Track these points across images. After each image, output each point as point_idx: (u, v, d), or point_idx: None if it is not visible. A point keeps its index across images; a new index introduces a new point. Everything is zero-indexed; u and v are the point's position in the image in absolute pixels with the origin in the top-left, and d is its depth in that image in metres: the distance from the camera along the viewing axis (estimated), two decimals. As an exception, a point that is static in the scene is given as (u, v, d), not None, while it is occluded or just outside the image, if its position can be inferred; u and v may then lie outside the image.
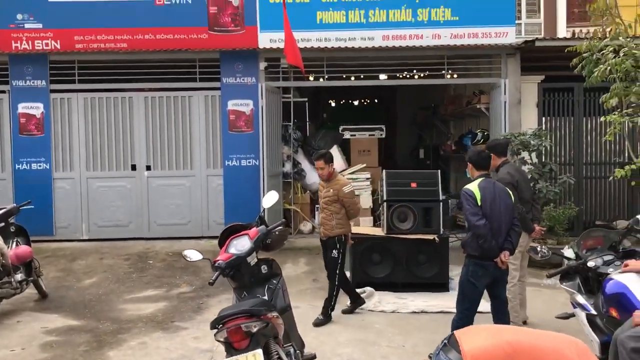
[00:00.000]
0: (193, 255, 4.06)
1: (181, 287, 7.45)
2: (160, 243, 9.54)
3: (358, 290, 6.81)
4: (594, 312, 3.74)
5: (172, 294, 7.14)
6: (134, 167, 9.86)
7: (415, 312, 6.25)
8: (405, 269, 6.98)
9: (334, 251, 6.13)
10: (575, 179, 8.91)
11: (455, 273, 7.33)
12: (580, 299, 3.90)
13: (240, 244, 4.07)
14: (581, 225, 9.50)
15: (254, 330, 3.31)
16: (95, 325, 5.99)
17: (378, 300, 6.58)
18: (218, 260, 3.94)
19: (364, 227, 9.02)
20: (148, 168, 9.86)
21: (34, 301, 6.85)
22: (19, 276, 6.41)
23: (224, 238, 4.19)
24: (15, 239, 6.76)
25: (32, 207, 7.20)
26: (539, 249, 4.41)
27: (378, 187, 10.78)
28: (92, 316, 6.31)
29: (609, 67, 5.85)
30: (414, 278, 6.99)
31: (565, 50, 7.01)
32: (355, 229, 8.43)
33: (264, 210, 4.60)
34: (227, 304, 6.52)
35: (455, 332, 2.81)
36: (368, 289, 6.76)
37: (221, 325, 3.33)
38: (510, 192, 4.85)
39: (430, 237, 6.90)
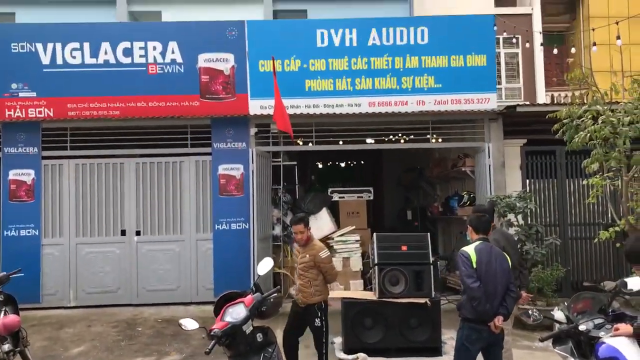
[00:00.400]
0: (189, 324, 4.07)
1: (171, 355, 7.34)
2: (149, 309, 9.44)
3: (350, 356, 6.78)
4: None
5: (162, 363, 7.03)
6: (123, 232, 9.86)
7: (408, 378, 6.21)
8: (398, 334, 6.96)
9: (316, 320, 6.02)
10: (561, 240, 9.06)
11: (447, 337, 7.35)
12: (573, 363, 3.96)
13: (236, 312, 4.10)
14: (569, 286, 9.59)
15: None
16: (84, 396, 5.87)
17: (371, 365, 6.53)
18: (214, 328, 3.96)
19: (355, 291, 9.05)
20: (138, 233, 9.87)
21: (20, 372, 6.70)
22: (6, 346, 6.27)
23: (220, 306, 4.21)
24: (3, 308, 6.65)
25: (22, 275, 7.13)
26: (530, 312, 4.48)
27: (368, 250, 10.86)
28: (80, 387, 6.18)
29: (588, 134, 6.09)
30: (407, 342, 6.97)
31: (547, 117, 7.31)
32: (346, 294, 8.46)
33: (258, 276, 4.64)
34: (218, 372, 6.47)
35: None
36: (361, 355, 6.72)
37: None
38: (508, 257, 4.98)
39: (422, 300, 6.92)
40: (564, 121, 6.95)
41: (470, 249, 4.88)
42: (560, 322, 4.29)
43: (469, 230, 5.16)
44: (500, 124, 9.95)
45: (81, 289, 9.74)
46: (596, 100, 6.96)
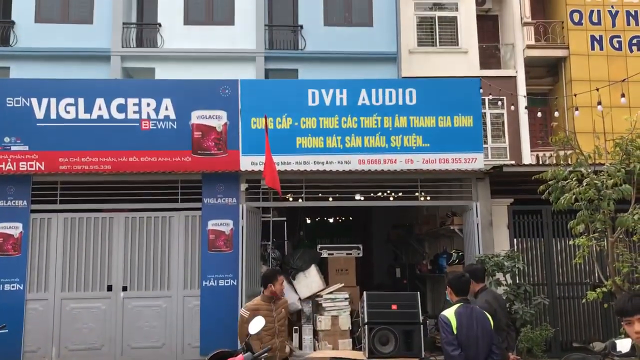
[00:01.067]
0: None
1: (155, 416, 7.15)
2: (133, 367, 9.24)
3: (340, 417, 6.67)
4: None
5: None
6: (109, 288, 9.74)
7: None
8: (387, 395, 6.88)
9: None
10: (549, 300, 9.09)
11: (437, 398, 7.27)
12: None
13: (227, 372, 4.06)
14: (558, 346, 9.56)
15: None
16: None
17: None
18: (204, 390, 3.91)
19: (345, 350, 8.95)
20: (124, 289, 9.75)
21: None
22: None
23: (211, 366, 4.17)
24: (-15, 366, 6.53)
25: (7, 331, 7.01)
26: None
27: (358, 308, 10.80)
28: None
29: (574, 195, 6.24)
30: (396, 405, 6.88)
31: (533, 178, 7.48)
32: (336, 353, 8.39)
33: (248, 335, 4.61)
34: None
35: None
36: (350, 416, 6.60)
37: None
38: (490, 317, 4.92)
39: (412, 360, 6.88)
40: (550, 182, 7.11)
41: (450, 313, 4.80)
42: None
43: (448, 291, 5.08)
44: (487, 183, 10.13)
45: (64, 346, 9.52)
46: (580, 162, 7.15)
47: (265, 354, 4.32)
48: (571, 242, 7.33)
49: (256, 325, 4.58)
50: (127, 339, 9.61)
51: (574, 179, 6.59)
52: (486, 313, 4.95)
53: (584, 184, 6.45)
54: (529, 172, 8.85)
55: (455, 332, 4.69)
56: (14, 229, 9.65)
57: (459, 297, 4.97)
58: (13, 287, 9.51)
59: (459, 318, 4.74)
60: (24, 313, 9.46)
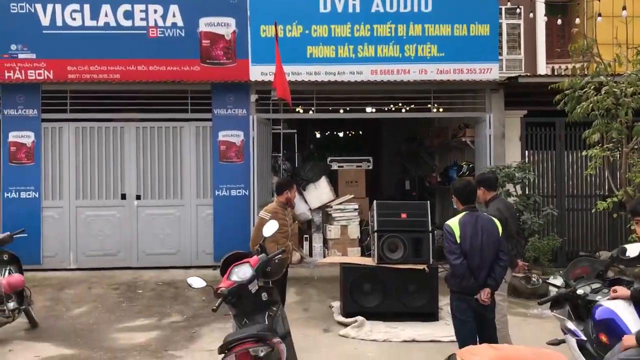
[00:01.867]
0: (196, 282, 4.15)
1: (172, 317, 7.45)
2: (149, 272, 9.54)
3: (349, 319, 6.91)
4: (584, 337, 3.88)
5: (164, 323, 7.14)
6: (123, 196, 9.90)
7: (406, 341, 6.34)
8: (396, 299, 7.08)
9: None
10: (558, 211, 9.17)
11: (443, 303, 7.46)
12: (571, 325, 4.06)
13: (242, 272, 4.17)
14: (564, 256, 9.73)
15: (262, 354, 3.40)
16: (89, 354, 5.98)
17: (370, 329, 6.66)
18: (220, 287, 4.03)
19: (354, 257, 9.16)
20: (138, 197, 9.91)
21: (24, 330, 6.81)
22: (11, 304, 6.39)
23: (226, 266, 4.28)
24: (7, 267, 6.74)
25: (25, 235, 7.21)
26: (531, 278, 4.56)
27: (368, 218, 10.95)
28: (84, 345, 6.29)
29: (590, 105, 6.12)
30: (404, 307, 7.09)
31: (549, 87, 7.32)
32: (346, 259, 8.60)
33: (263, 238, 4.70)
34: (219, 333, 6.60)
35: (457, 351, 2.93)
36: (359, 318, 6.84)
37: (229, 350, 3.41)
38: (498, 224, 4.89)
39: (421, 267, 7.03)
40: (566, 92, 6.97)
41: (454, 223, 4.76)
42: (558, 287, 4.38)
43: (455, 200, 5.03)
44: (502, 94, 9.96)
45: (81, 252, 9.81)
46: (599, 71, 6.97)
47: (279, 255, 4.41)
48: (584, 153, 7.27)
49: (270, 228, 4.65)
50: (142, 246, 9.87)
51: (592, 88, 6.44)
52: (494, 219, 4.91)
53: (603, 92, 6.31)
54: (544, 82, 8.66)
55: (458, 240, 4.68)
56: (26, 137, 9.70)
57: (465, 205, 4.94)
58: (29, 194, 9.68)
59: (462, 227, 4.73)
60: (40, 220, 9.68)
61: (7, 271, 6.68)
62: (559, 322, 4.24)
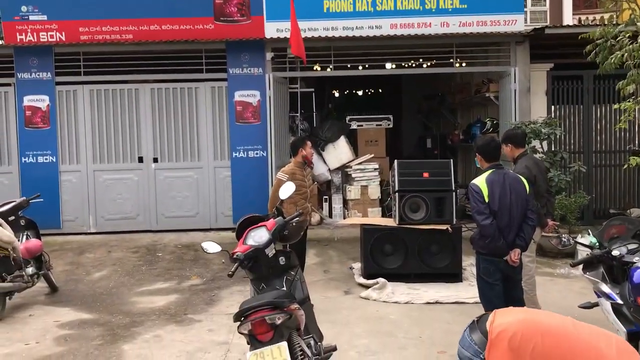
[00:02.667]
0: (211, 247, 4.01)
1: (192, 280, 7.40)
2: (169, 235, 9.50)
3: (370, 281, 6.78)
4: (619, 301, 3.68)
5: (183, 287, 7.09)
6: (140, 160, 9.81)
7: (429, 303, 6.20)
8: (418, 260, 6.92)
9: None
10: (586, 167, 8.85)
11: (467, 263, 7.31)
12: (605, 288, 3.85)
13: (258, 236, 4.01)
14: (591, 214, 9.47)
15: (278, 322, 3.27)
16: (108, 318, 5.95)
17: (391, 291, 6.52)
18: (236, 251, 3.89)
19: (375, 217, 9.00)
20: (155, 160, 9.81)
21: (45, 295, 6.82)
22: (30, 270, 6.37)
23: (242, 229, 4.13)
24: (25, 233, 6.72)
25: (42, 200, 7.15)
26: (562, 238, 4.34)
27: (389, 178, 10.74)
28: (104, 309, 6.27)
29: (625, 54, 5.76)
30: (427, 268, 6.94)
31: (579, 37, 6.93)
32: (366, 220, 8.44)
33: (280, 201, 4.54)
34: (238, 296, 6.52)
35: (496, 310, 2.77)
36: (381, 280, 6.70)
37: (244, 318, 3.28)
38: (525, 182, 4.67)
39: (443, 227, 6.83)
40: (598, 42, 6.57)
41: (481, 181, 4.52)
42: (590, 247, 4.16)
43: (478, 157, 4.78)
44: (527, 47, 9.55)
45: (100, 216, 9.79)
46: (633, 19, 6.54)
47: (297, 218, 4.24)
48: (615, 107, 6.90)
49: (286, 190, 4.47)
50: (160, 209, 9.81)
51: (626, 36, 6.05)
52: (521, 177, 4.69)
53: (638, 40, 5.92)
54: (572, 33, 8.24)
55: (486, 200, 4.46)
56: (41, 101, 9.59)
57: (490, 163, 4.69)
58: (46, 159, 9.63)
59: (490, 185, 4.50)
60: (59, 184, 9.65)
61: (24, 236, 6.66)
62: (592, 285, 4.04)
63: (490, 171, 4.58)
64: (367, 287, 6.73)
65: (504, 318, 2.63)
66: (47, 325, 5.75)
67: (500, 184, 4.51)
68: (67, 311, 6.21)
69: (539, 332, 2.49)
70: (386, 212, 9.85)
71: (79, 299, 6.67)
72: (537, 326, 2.52)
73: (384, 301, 6.31)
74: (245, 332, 3.29)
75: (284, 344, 3.18)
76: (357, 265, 7.53)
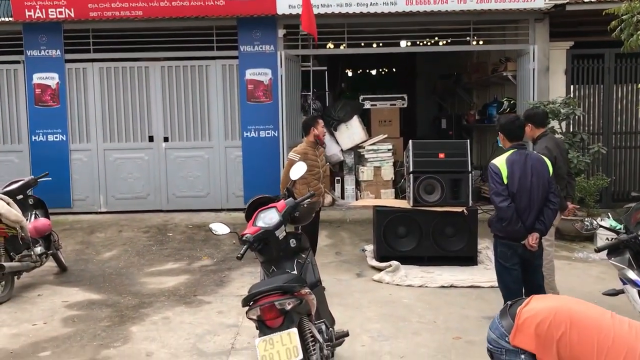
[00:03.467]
0: (220, 228, 3.87)
1: (202, 260, 7.32)
2: (179, 215, 9.42)
3: (383, 264, 6.65)
4: (647, 288, 3.52)
5: (194, 267, 7.01)
6: (151, 139, 9.69)
7: (444, 287, 6.05)
8: (432, 242, 6.77)
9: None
10: (606, 149, 8.61)
11: (482, 246, 7.16)
12: (632, 274, 3.67)
13: (268, 217, 3.87)
14: (610, 197, 9.24)
15: (288, 307, 3.13)
16: (117, 299, 5.88)
17: (405, 274, 6.39)
18: (246, 233, 3.75)
19: (388, 199, 8.84)
20: (166, 139, 9.69)
21: (54, 274, 6.76)
22: (38, 249, 6.30)
23: (251, 211, 3.99)
24: (33, 212, 6.64)
25: (50, 179, 7.06)
26: (586, 221, 4.16)
27: (403, 158, 10.55)
28: (112, 290, 6.20)
29: (654, 29, 5.51)
30: (441, 251, 6.79)
31: (603, 13, 6.67)
32: (380, 202, 8.27)
33: (291, 181, 4.39)
34: (249, 278, 6.42)
35: (533, 295, 2.67)
36: (394, 262, 6.56)
37: (253, 303, 3.15)
38: (548, 163, 4.49)
39: (459, 209, 6.66)
40: (623, 17, 6.31)
41: (500, 162, 4.35)
42: (617, 232, 3.97)
43: (501, 137, 4.60)
44: (547, 24, 9.26)
45: (111, 195, 9.72)
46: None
47: (308, 199, 4.09)
48: (639, 86, 6.66)
49: (298, 170, 4.32)
50: (171, 188, 9.71)
51: (655, 10, 5.80)
52: (544, 158, 4.49)
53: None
54: (595, 10, 7.97)
55: (505, 181, 4.29)
56: (51, 79, 9.47)
57: (513, 142, 4.51)
58: (56, 137, 9.54)
59: (510, 166, 4.31)
60: (69, 163, 9.57)
61: (33, 215, 6.58)
62: (617, 271, 3.86)
63: (511, 151, 4.40)
64: (379, 269, 6.60)
65: (537, 304, 2.53)
66: (55, 306, 5.69)
67: (521, 165, 4.33)
68: (76, 291, 6.15)
69: (570, 321, 2.36)
70: (399, 194, 9.69)
71: (88, 279, 6.60)
72: (569, 315, 2.39)
73: (397, 284, 6.18)
74: (254, 317, 3.17)
75: (294, 331, 3.05)
76: (370, 248, 7.40)
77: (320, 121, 6.26)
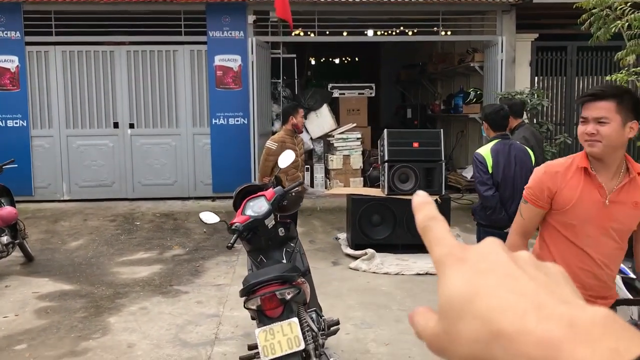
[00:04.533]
0: (209, 218, 3.80)
1: (174, 250, 7.20)
2: (146, 204, 9.23)
3: (359, 252, 6.69)
4: (632, 275, 3.64)
5: (166, 257, 6.88)
6: (116, 125, 9.44)
7: (419, 274, 6.14)
8: (406, 230, 6.83)
9: None
10: (571, 139, 8.85)
11: (455, 234, 7.26)
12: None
13: (257, 206, 3.82)
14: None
15: (288, 297, 3.11)
16: (90, 289, 5.73)
17: (380, 262, 6.44)
18: (235, 222, 3.69)
19: (361, 188, 8.88)
20: (131, 126, 9.45)
21: (20, 264, 6.54)
22: (4, 238, 6.07)
23: (239, 199, 3.93)
24: (-1, 200, 6.39)
25: (16, 166, 6.80)
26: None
27: (369, 147, 10.61)
28: (84, 280, 6.03)
29: (627, 23, 5.66)
30: (415, 239, 6.80)
31: (574, 7, 6.82)
32: (354, 190, 8.29)
33: (279, 169, 4.34)
34: (225, 267, 6.36)
35: None
36: (369, 250, 6.61)
37: (252, 293, 3.11)
38: (531, 153, 4.60)
39: (433, 198, 6.74)
40: (593, 11, 6.47)
41: (485, 151, 4.42)
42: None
43: (485, 126, 4.65)
44: (514, 16, 9.42)
45: (74, 183, 9.44)
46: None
47: (297, 188, 4.07)
48: (608, 78, 6.85)
49: (287, 158, 4.27)
50: (137, 176, 9.50)
51: (628, 4, 5.95)
52: (527, 149, 4.62)
53: (640, 10, 5.83)
54: (561, 3, 8.16)
55: (490, 171, 4.38)
56: (10, 62, 9.10)
57: (497, 132, 4.59)
58: (16, 123, 9.19)
59: (495, 156, 4.40)
60: (30, 150, 9.24)
61: (-2, 204, 6.32)
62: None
63: (496, 141, 4.48)
64: (355, 257, 6.64)
65: None
66: (25, 297, 5.50)
67: (505, 155, 4.42)
68: (46, 282, 5.96)
69: None
70: (368, 182, 9.74)
71: (57, 269, 6.41)
72: None
73: (374, 272, 6.22)
74: (254, 307, 3.13)
75: (295, 320, 3.03)
76: (343, 236, 7.43)
77: (301, 111, 6.21)
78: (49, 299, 5.47)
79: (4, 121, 9.15)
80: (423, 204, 0.53)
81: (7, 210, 6.21)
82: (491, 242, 0.47)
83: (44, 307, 5.25)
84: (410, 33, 10.49)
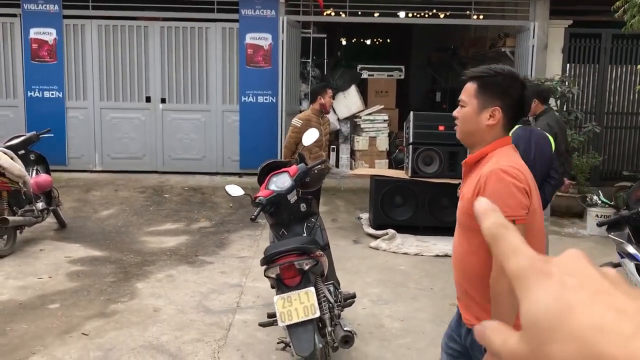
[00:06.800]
0: (235, 190, 3.95)
1: (200, 222, 7.41)
2: (175, 177, 9.46)
3: (380, 232, 6.80)
4: (644, 261, 3.69)
5: (193, 229, 7.10)
6: (148, 99, 9.66)
7: (438, 256, 6.23)
8: (428, 213, 6.93)
9: None
10: (600, 128, 8.78)
11: (476, 218, 7.32)
12: (631, 248, 3.84)
13: (281, 181, 3.96)
14: (598, 175, 9.45)
15: (306, 267, 3.25)
16: (119, 256, 5.97)
17: (401, 242, 6.55)
18: (259, 196, 3.84)
19: (385, 169, 8.96)
20: (163, 101, 9.66)
21: (54, 230, 6.82)
22: (40, 205, 6.34)
23: (263, 174, 4.07)
24: (35, 167, 6.65)
25: (52, 135, 7.05)
26: (589, 198, 4.31)
27: (396, 130, 10.65)
28: (114, 247, 6.28)
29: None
30: (436, 222, 6.95)
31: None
32: (378, 171, 8.40)
33: (303, 147, 4.46)
34: (248, 240, 6.55)
35: None
36: (390, 230, 6.72)
37: (272, 262, 3.27)
38: (552, 140, 4.63)
39: (456, 182, 6.79)
40: (627, -1, 6.40)
41: None
42: (618, 209, 4.14)
43: None
44: (547, 1, 9.31)
45: (106, 154, 9.72)
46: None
47: (319, 166, 4.19)
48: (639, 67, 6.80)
49: (310, 136, 4.38)
50: (167, 150, 9.73)
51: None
52: (548, 135, 4.64)
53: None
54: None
55: None
56: (48, 35, 9.35)
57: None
58: (52, 94, 9.47)
59: (515, 141, 4.42)
60: (65, 120, 9.53)
61: (34, 171, 6.59)
62: (616, 245, 4.04)
63: (517, 126, 4.50)
64: (376, 237, 6.76)
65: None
66: (58, 261, 5.76)
67: (525, 140, 4.45)
68: (78, 247, 6.22)
69: None
70: (393, 165, 9.81)
71: (88, 236, 6.67)
72: None
73: (394, 252, 6.34)
74: (273, 275, 3.28)
75: (311, 289, 3.17)
76: (365, 216, 7.54)
77: (330, 91, 6.25)
78: (80, 263, 5.72)
79: (41, 92, 9.43)
80: (489, 210, 0.49)
81: (43, 177, 6.47)
82: (576, 254, 0.43)
83: (76, 270, 5.50)
84: (442, 16, 10.42)
